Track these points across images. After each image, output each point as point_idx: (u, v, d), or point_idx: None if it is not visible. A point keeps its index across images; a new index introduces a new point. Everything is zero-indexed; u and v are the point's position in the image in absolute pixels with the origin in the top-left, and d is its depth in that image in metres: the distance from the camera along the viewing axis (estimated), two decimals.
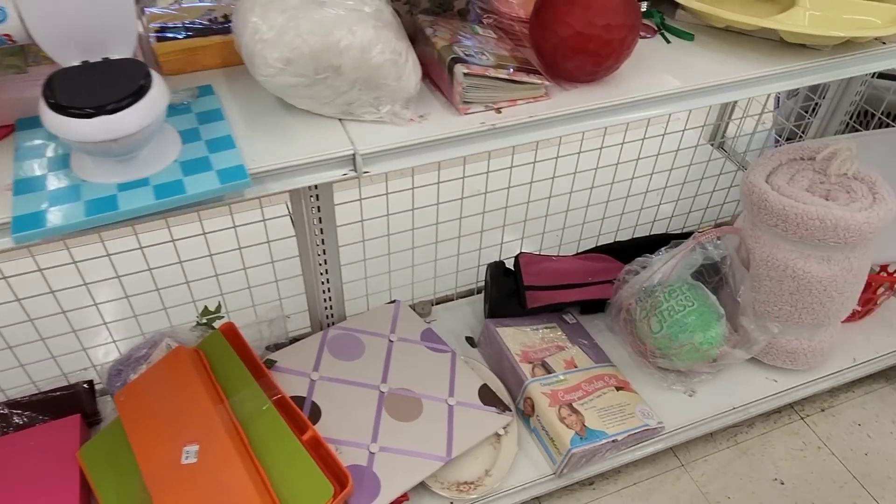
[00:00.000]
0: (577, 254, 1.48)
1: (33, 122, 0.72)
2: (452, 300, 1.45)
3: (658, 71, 0.80)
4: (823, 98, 1.54)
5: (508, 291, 1.34)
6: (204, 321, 1.21)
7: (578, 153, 1.34)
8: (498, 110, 0.71)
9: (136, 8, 0.66)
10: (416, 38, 0.76)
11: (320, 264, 1.17)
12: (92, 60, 0.66)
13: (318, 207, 1.08)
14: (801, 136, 1.67)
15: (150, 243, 1.09)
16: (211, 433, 0.97)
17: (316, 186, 1.02)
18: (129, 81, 0.62)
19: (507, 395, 1.22)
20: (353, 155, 0.68)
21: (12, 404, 1.12)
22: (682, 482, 1.27)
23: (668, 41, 0.86)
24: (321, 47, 0.65)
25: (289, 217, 1.14)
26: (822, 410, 1.41)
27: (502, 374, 1.26)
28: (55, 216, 0.64)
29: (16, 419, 1.10)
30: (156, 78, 0.64)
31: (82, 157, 0.67)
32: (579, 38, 0.69)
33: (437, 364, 1.22)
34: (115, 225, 0.65)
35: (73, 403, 1.13)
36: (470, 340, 1.35)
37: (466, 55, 0.70)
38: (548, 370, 1.22)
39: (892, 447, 1.34)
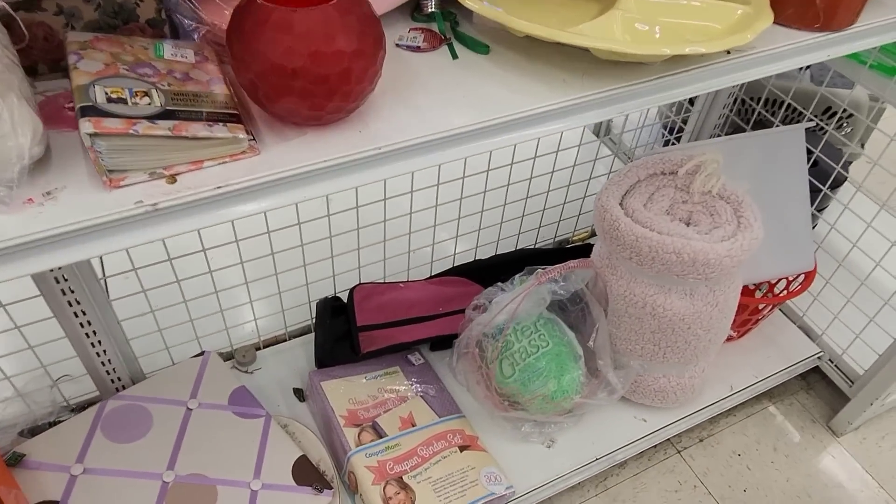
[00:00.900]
0: (431, 277, 1.29)
1: None
2: (285, 341, 1.24)
3: (429, 103, 0.59)
4: None
5: (339, 334, 1.14)
6: None
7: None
8: (172, 178, 0.49)
9: None
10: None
11: (81, 325, 0.94)
12: None
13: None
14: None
15: None
16: None
17: None
18: None
19: (332, 466, 1.03)
20: None
21: None
22: None
23: (454, 56, 0.65)
24: None
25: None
26: (701, 441, 1.28)
27: (329, 437, 1.06)
28: None
29: None
30: None
31: None
32: (279, 74, 0.48)
33: (244, 435, 1.01)
34: None
35: None
36: (298, 393, 1.15)
37: (112, 99, 0.48)
38: (379, 434, 1.03)
39: (772, 480, 1.22)
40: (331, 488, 0.98)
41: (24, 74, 0.52)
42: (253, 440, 1.01)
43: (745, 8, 0.69)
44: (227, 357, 1.19)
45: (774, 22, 0.69)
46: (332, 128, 0.55)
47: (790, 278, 1.26)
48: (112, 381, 1.04)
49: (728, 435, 1.29)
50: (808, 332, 1.33)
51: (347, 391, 1.08)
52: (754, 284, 1.36)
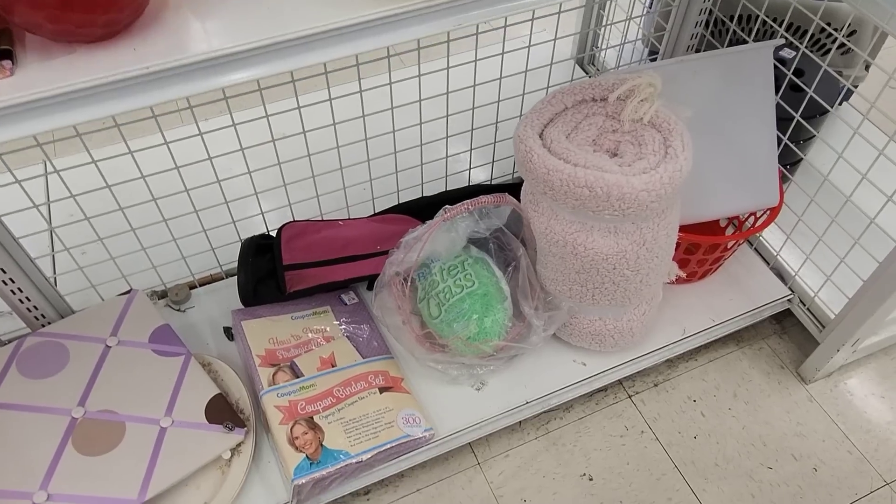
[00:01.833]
0: (374, 215, 1.24)
1: None
2: (221, 279, 1.22)
3: (224, 20, 0.52)
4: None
5: (263, 273, 1.11)
6: None
7: (419, 75, 1.04)
8: None
9: None
10: None
11: None
12: None
13: None
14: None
15: None
16: None
17: None
18: None
19: (251, 406, 1.02)
20: None
21: None
22: (475, 485, 1.10)
23: None
24: None
25: None
26: (655, 386, 1.22)
27: (249, 377, 1.05)
28: None
29: None
30: None
31: None
32: None
33: (161, 373, 1.01)
34: None
35: None
36: (228, 332, 1.13)
37: None
38: (295, 374, 1.02)
39: (726, 427, 1.16)
40: (244, 427, 0.97)
41: None
42: (169, 378, 1.00)
43: None
44: (162, 295, 1.18)
45: None
46: (104, 45, 0.50)
47: (757, 214, 1.16)
48: (36, 318, 1.05)
49: (685, 380, 1.23)
50: (781, 275, 1.23)
51: (269, 330, 1.06)
52: (727, 219, 1.26)
